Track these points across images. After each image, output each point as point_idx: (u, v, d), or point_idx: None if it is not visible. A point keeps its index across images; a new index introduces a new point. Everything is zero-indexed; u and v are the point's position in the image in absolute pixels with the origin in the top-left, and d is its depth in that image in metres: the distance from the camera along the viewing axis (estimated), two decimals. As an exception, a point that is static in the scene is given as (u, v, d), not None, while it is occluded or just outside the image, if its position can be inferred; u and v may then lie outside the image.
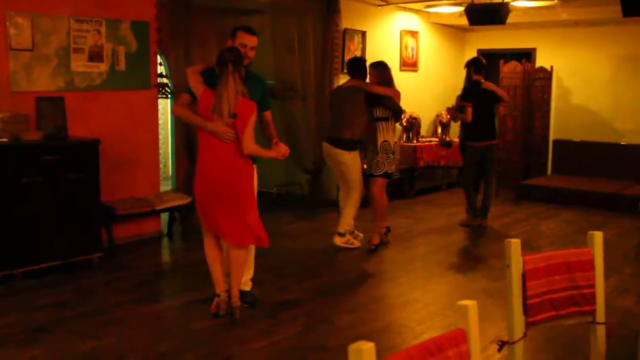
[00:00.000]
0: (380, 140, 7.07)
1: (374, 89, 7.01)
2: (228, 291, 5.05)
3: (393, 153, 7.13)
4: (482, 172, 8.43)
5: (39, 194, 5.85)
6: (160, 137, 8.21)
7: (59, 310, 5.15)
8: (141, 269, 6.32)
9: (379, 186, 7.21)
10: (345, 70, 7.64)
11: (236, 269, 4.99)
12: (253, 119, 4.84)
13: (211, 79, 4.85)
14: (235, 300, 5.02)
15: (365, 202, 7.52)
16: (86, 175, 6.17)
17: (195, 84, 4.87)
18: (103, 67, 6.76)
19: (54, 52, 6.37)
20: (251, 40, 5.04)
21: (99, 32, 6.68)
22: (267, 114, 5.27)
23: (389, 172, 7.17)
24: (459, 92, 8.59)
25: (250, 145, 4.82)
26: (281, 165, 9.58)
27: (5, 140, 5.75)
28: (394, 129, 7.24)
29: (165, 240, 7.47)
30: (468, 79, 8.29)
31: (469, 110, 8.04)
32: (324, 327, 4.97)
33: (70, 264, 6.11)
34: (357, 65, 7.24)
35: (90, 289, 5.75)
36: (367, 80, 7.18)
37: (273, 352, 4.49)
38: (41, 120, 6.26)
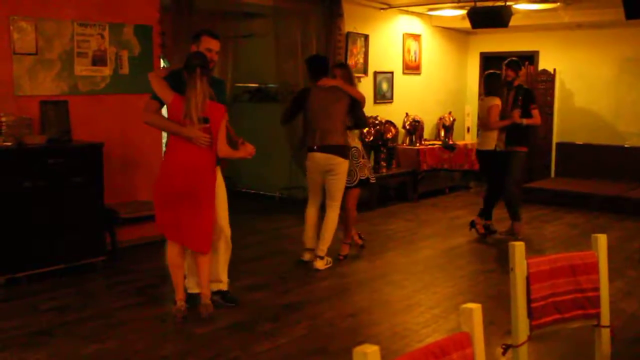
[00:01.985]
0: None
1: (357, 93, 6.64)
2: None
3: (363, 157, 6.93)
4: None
5: (42, 197, 5.86)
6: (163, 141, 8.19)
7: (62, 313, 5.16)
8: (144, 273, 6.31)
9: (354, 197, 6.92)
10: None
11: (204, 272, 5.08)
12: (224, 121, 4.92)
13: (177, 84, 4.83)
14: (207, 301, 5.14)
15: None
16: (90, 179, 6.19)
17: (162, 89, 4.85)
18: (107, 71, 6.78)
19: (58, 56, 6.39)
20: (216, 45, 5.10)
21: (102, 36, 6.70)
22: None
23: (363, 178, 6.88)
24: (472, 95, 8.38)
25: (223, 148, 4.91)
26: (284, 169, 9.60)
27: (9, 144, 5.77)
28: (357, 135, 7.01)
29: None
30: (515, 81, 7.82)
31: (537, 112, 7.74)
32: (328, 331, 4.96)
33: (74, 267, 6.12)
34: (325, 65, 6.75)
35: (94, 292, 5.77)
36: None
37: (276, 356, 4.48)
38: (45, 124, 6.27)
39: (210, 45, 5.04)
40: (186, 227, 4.92)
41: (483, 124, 7.78)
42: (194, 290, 5.37)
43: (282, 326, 5.00)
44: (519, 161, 7.81)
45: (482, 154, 7.90)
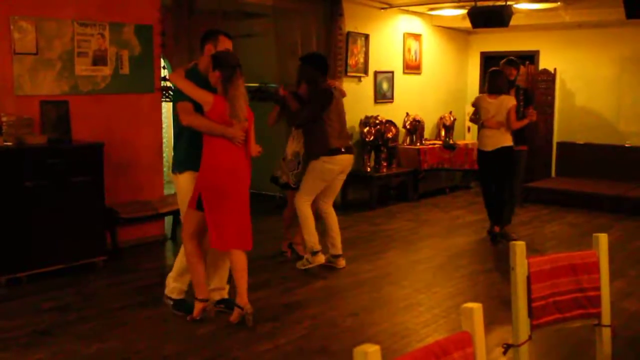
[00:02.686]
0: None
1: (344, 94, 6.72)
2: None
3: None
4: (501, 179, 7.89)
5: (43, 197, 5.86)
6: (164, 140, 8.19)
7: (63, 313, 5.16)
8: (145, 273, 6.31)
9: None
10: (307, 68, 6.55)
11: (243, 274, 4.98)
12: (253, 122, 4.98)
13: (200, 83, 4.79)
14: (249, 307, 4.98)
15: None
16: (90, 179, 6.19)
17: (198, 90, 4.74)
18: (107, 70, 6.78)
19: (58, 56, 6.39)
20: (230, 45, 5.05)
21: (102, 36, 6.70)
22: None
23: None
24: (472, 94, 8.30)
25: (255, 147, 4.99)
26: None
27: (9, 144, 5.78)
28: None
29: (169, 244, 7.47)
30: (514, 81, 7.87)
31: (533, 111, 7.74)
32: (328, 330, 4.96)
33: (75, 267, 6.13)
34: (327, 63, 6.67)
35: (94, 292, 5.76)
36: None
37: (277, 355, 4.48)
38: (45, 124, 6.27)
39: (228, 46, 5.00)
40: (235, 226, 4.89)
41: (499, 124, 7.46)
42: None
43: (283, 326, 5.00)
44: (524, 160, 7.89)
45: (502, 152, 7.52)
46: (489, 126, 7.48)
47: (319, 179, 6.39)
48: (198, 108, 4.77)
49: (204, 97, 4.73)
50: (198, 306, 5.01)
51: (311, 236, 6.39)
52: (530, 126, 7.97)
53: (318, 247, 6.42)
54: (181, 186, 5.10)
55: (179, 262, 5.28)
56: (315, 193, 6.46)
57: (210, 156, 4.79)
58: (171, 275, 5.32)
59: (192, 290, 5.14)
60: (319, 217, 6.62)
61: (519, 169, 7.88)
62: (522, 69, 10.46)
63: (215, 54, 4.84)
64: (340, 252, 6.59)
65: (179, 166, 5.09)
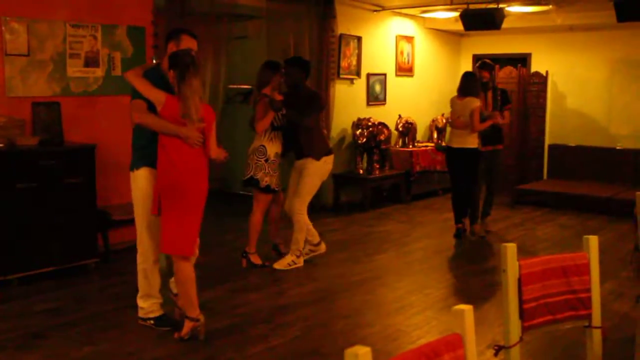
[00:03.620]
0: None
1: None
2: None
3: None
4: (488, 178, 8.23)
5: (34, 199, 5.84)
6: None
7: (55, 316, 5.14)
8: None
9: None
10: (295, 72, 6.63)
11: (194, 283, 4.78)
12: (214, 123, 4.81)
13: (158, 82, 4.65)
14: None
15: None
16: (82, 181, 6.16)
17: (151, 89, 4.59)
18: (99, 72, 6.76)
19: (50, 57, 6.37)
20: (194, 44, 4.83)
21: (95, 37, 6.68)
22: None
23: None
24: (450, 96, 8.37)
25: (215, 148, 4.80)
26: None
27: (0, 145, 5.75)
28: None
29: (161, 246, 7.41)
30: (490, 82, 8.03)
31: (507, 113, 7.90)
32: (321, 332, 4.96)
33: (66, 269, 6.10)
34: (310, 67, 6.82)
35: (86, 294, 5.73)
36: (273, 83, 6.51)
37: (270, 357, 4.49)
38: (37, 126, 6.24)
39: (190, 45, 4.76)
40: (181, 232, 4.67)
41: (465, 125, 7.63)
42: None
43: (276, 328, 5.00)
44: (500, 160, 8.21)
45: (465, 152, 7.71)
46: (454, 126, 7.80)
47: (319, 180, 6.63)
48: (153, 107, 4.61)
49: (156, 96, 4.58)
50: (188, 325, 4.73)
51: (302, 242, 6.62)
52: (506, 126, 8.28)
53: (318, 237, 6.72)
54: (137, 184, 4.88)
55: (142, 281, 5.03)
56: (312, 194, 6.63)
57: (164, 156, 4.60)
58: (140, 296, 5.04)
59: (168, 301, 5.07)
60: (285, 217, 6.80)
61: (497, 168, 8.18)
62: (515, 71, 10.51)
63: (172, 53, 4.67)
64: (318, 238, 6.80)
65: (135, 163, 4.90)
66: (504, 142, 8.27)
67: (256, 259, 6.61)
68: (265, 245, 6.91)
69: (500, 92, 8.12)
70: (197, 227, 4.74)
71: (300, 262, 6.64)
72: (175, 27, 6.98)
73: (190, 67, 4.53)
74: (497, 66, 10.72)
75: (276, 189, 6.52)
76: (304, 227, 6.56)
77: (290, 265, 6.55)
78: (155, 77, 4.70)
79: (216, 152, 4.82)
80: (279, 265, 6.57)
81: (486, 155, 7.95)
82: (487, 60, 8.20)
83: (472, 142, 7.68)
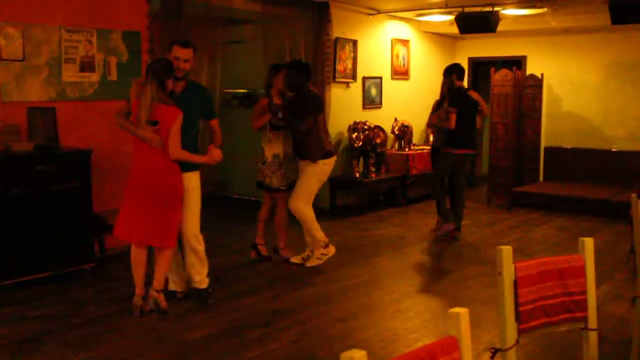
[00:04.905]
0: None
1: None
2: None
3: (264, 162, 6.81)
4: (453, 181, 8.28)
5: (30, 204, 5.83)
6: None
7: (51, 321, 5.13)
8: (133, 280, 6.24)
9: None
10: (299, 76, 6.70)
11: (161, 268, 5.32)
12: (176, 125, 5.06)
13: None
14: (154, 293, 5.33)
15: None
16: (78, 186, 6.16)
17: (131, 93, 5.16)
18: (94, 77, 6.75)
19: (46, 62, 6.36)
20: (183, 53, 5.24)
21: (90, 42, 6.68)
22: (213, 123, 5.62)
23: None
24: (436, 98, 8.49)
25: (175, 151, 5.10)
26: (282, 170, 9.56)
27: (-4, 150, 5.74)
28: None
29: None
30: (450, 86, 8.10)
31: (454, 116, 7.85)
32: (317, 336, 4.96)
33: (62, 275, 6.09)
34: (310, 70, 6.93)
35: (82, 299, 5.71)
36: (276, 84, 6.74)
37: (266, 362, 4.48)
38: (32, 131, 6.23)
39: (177, 54, 5.22)
40: (147, 223, 5.18)
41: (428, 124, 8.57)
42: (172, 287, 5.69)
43: (272, 332, 4.99)
44: (463, 165, 8.33)
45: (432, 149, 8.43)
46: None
47: (318, 181, 6.69)
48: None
49: (131, 99, 5.15)
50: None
51: (320, 232, 6.67)
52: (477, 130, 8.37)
53: (326, 238, 6.70)
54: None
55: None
56: (314, 195, 6.74)
57: (134, 156, 5.23)
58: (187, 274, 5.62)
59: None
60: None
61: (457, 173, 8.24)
62: (510, 74, 10.51)
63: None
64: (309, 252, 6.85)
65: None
66: (462, 146, 8.09)
67: (264, 250, 6.99)
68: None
69: (452, 94, 8.07)
70: (151, 219, 5.17)
71: (331, 251, 6.72)
72: (173, 33, 7.14)
73: (150, 74, 5.03)
74: (492, 69, 10.75)
75: (281, 187, 6.73)
76: (312, 220, 6.64)
77: (321, 258, 6.68)
78: None
79: (178, 155, 5.13)
80: (311, 263, 6.69)
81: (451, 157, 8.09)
82: (453, 66, 8.36)
83: (435, 140, 8.40)
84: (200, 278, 5.57)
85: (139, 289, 5.29)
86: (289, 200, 6.65)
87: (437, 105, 8.29)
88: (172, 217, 5.22)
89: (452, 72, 8.19)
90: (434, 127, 8.44)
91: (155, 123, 5.00)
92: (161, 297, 5.30)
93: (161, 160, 5.09)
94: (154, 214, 5.16)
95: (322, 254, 6.69)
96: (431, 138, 9.69)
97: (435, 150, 8.36)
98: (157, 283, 5.31)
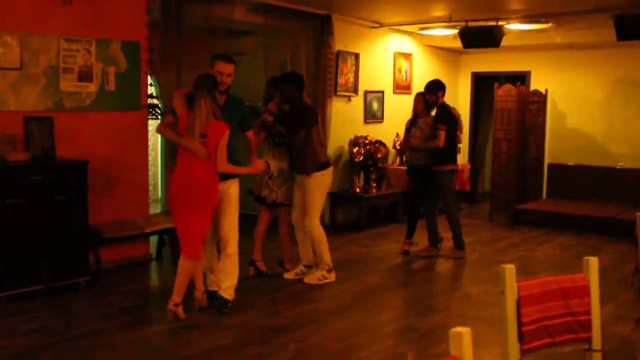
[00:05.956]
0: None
1: None
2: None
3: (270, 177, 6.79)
4: (440, 199, 8.10)
5: (25, 215, 5.76)
6: (149, 159, 8.11)
7: (44, 335, 5.05)
8: (129, 294, 6.20)
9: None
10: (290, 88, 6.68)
11: (181, 278, 5.44)
12: (224, 140, 5.29)
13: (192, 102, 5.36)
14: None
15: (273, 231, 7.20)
16: (74, 197, 6.09)
17: (178, 104, 5.38)
18: (92, 87, 6.69)
19: (43, 71, 6.30)
20: (226, 68, 5.53)
21: (88, 51, 6.62)
22: (248, 133, 5.85)
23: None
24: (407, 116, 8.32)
25: (223, 165, 5.33)
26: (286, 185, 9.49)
27: (-9, 160, 5.67)
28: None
29: (154, 264, 7.36)
30: (435, 102, 7.83)
31: (443, 134, 7.62)
32: (315, 354, 4.87)
33: (56, 287, 6.01)
34: (304, 82, 6.88)
35: (77, 313, 5.66)
36: (274, 99, 6.75)
37: (261, 380, 4.39)
38: (29, 141, 6.17)
39: (219, 68, 5.48)
40: (182, 230, 5.42)
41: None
42: (212, 287, 5.90)
43: (270, 349, 4.90)
44: (439, 182, 7.92)
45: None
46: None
47: (322, 193, 6.68)
48: None
49: (178, 110, 5.37)
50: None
51: (328, 254, 6.69)
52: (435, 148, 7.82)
53: (331, 264, 6.73)
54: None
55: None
56: (322, 208, 6.72)
57: (176, 163, 5.44)
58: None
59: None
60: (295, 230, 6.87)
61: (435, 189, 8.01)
62: (514, 89, 10.44)
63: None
64: (312, 263, 6.83)
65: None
66: (451, 162, 7.95)
67: (262, 266, 6.96)
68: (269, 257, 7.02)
69: (438, 111, 7.85)
70: (191, 228, 5.36)
71: (332, 277, 6.73)
72: (173, 44, 7.25)
73: (200, 89, 5.23)
74: (496, 84, 10.67)
75: (285, 202, 6.74)
76: (323, 239, 6.62)
77: (320, 280, 6.66)
78: (193, 98, 5.35)
79: (225, 168, 5.37)
80: (309, 280, 6.67)
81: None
82: (435, 80, 8.09)
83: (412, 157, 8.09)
84: (228, 285, 5.71)
85: (174, 298, 5.47)
86: (304, 219, 6.60)
87: (411, 124, 8.00)
88: (200, 225, 5.38)
89: (438, 88, 7.90)
90: (413, 148, 7.98)
91: (204, 136, 5.21)
92: (179, 310, 5.44)
93: (203, 169, 5.29)
94: (186, 220, 5.36)
95: (324, 276, 6.67)
96: (465, 157, 9.42)
97: (419, 169, 7.93)
98: (176, 295, 5.44)
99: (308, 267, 6.83)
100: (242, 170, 5.68)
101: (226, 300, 5.68)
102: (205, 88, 5.24)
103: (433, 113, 7.88)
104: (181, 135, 5.27)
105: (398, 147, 10.62)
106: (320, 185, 6.60)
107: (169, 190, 5.62)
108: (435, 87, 7.90)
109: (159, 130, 5.63)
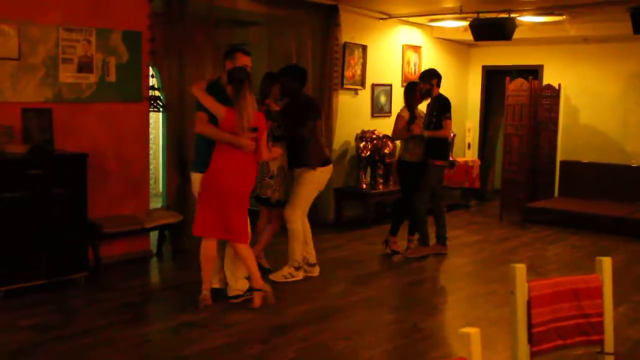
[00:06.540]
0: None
1: None
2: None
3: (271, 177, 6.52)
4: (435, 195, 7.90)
5: (22, 209, 5.69)
6: (150, 152, 8.01)
7: (42, 331, 5.00)
8: (129, 290, 6.12)
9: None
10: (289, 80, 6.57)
11: (252, 262, 5.68)
12: (266, 130, 5.65)
13: (221, 95, 5.44)
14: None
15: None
16: (72, 191, 6.02)
17: (214, 104, 5.40)
18: (93, 78, 6.58)
19: (42, 61, 6.20)
20: (248, 60, 5.65)
21: (89, 42, 6.50)
22: None
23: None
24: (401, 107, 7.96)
25: (265, 152, 5.65)
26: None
27: (-13, 153, 5.60)
28: None
29: (154, 260, 7.26)
30: (429, 91, 7.63)
31: (450, 123, 7.51)
32: (319, 354, 4.79)
33: (55, 283, 5.95)
34: (306, 75, 6.83)
35: (75, 309, 5.59)
36: (271, 93, 6.52)
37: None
38: (27, 133, 6.09)
39: (245, 61, 5.58)
40: (230, 222, 5.53)
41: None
42: (216, 285, 5.87)
43: (272, 349, 4.82)
44: (429, 175, 7.63)
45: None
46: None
47: (315, 190, 6.57)
48: (214, 118, 5.43)
49: (218, 111, 5.40)
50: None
51: (300, 253, 6.53)
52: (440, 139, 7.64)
53: (302, 263, 6.57)
54: (193, 185, 5.85)
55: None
56: (309, 204, 6.60)
57: (218, 160, 5.48)
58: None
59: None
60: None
61: (423, 183, 7.71)
62: (526, 83, 10.27)
63: (230, 70, 5.49)
64: (315, 260, 6.73)
65: (192, 167, 5.90)
66: (445, 157, 7.77)
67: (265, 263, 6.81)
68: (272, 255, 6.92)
69: (438, 101, 7.65)
70: (243, 218, 5.59)
71: (299, 275, 6.53)
72: (175, 34, 7.16)
73: (245, 82, 5.37)
74: (507, 78, 10.51)
75: (281, 201, 6.55)
76: (300, 236, 6.46)
77: (286, 278, 6.47)
78: (217, 91, 5.49)
79: (267, 155, 5.73)
80: (274, 276, 6.48)
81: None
82: (430, 69, 7.95)
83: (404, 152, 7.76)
84: (241, 275, 5.82)
85: (207, 285, 5.69)
86: (287, 208, 6.45)
87: (411, 116, 7.67)
88: (246, 213, 5.65)
89: (432, 76, 7.70)
90: (414, 139, 7.61)
91: (255, 130, 5.44)
92: (269, 295, 5.75)
93: (251, 162, 5.56)
94: (237, 213, 5.54)
95: (291, 274, 6.51)
96: (475, 154, 9.21)
97: (413, 165, 7.65)
98: (256, 282, 5.69)
99: (312, 265, 6.70)
100: (272, 155, 5.92)
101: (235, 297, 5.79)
102: (249, 82, 5.39)
103: (426, 103, 7.75)
104: (232, 133, 5.37)
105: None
106: (316, 180, 6.48)
107: (210, 186, 5.48)
108: (428, 76, 7.75)
109: (200, 130, 5.55)
